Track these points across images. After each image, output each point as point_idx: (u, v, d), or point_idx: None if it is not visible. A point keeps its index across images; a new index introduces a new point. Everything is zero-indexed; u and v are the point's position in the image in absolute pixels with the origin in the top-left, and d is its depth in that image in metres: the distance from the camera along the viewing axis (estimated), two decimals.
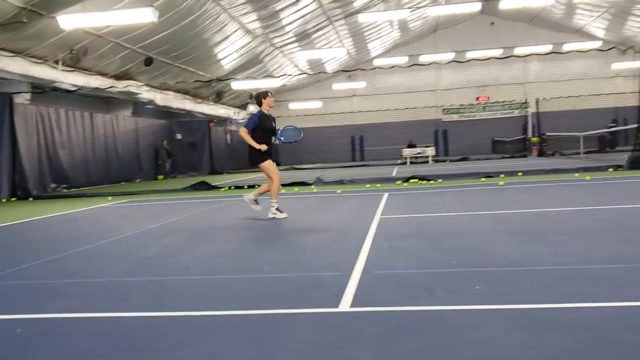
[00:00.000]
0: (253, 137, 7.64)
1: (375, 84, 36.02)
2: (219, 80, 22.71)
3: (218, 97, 28.48)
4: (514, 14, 34.20)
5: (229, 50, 21.99)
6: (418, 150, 29.90)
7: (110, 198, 13.33)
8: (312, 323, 3.07)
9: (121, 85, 18.56)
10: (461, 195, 9.95)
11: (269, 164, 7.75)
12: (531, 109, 34.18)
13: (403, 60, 30.57)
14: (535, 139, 29.84)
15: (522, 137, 32.17)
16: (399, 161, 29.64)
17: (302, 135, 8.19)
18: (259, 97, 7.88)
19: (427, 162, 28.04)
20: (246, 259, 5.14)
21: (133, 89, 19.07)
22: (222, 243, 6.07)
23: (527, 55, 30.25)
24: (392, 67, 26.38)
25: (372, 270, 4.23)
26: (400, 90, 36.68)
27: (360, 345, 2.67)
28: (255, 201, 8.06)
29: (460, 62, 22.28)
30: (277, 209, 7.75)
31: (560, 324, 2.78)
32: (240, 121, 32.38)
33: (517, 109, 36.86)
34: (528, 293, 3.39)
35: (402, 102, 36.31)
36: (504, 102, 36.98)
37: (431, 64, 23.44)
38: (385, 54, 35.41)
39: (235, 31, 20.52)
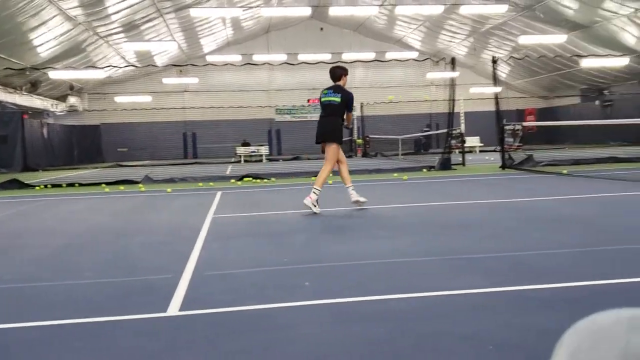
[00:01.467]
0: (342, 116, 7.37)
1: (208, 81, 35.54)
2: (34, 68, 20.69)
3: (33, 87, 25.92)
4: (342, 21, 35.97)
5: (47, 37, 20.14)
6: (252, 148, 30.09)
7: None
8: (139, 330, 2.92)
9: None
10: (293, 194, 10.20)
11: (339, 148, 7.49)
12: (356, 112, 36.17)
13: (236, 58, 30.54)
14: (360, 141, 31.66)
15: (348, 138, 33.95)
16: (233, 159, 29.56)
17: None
18: (340, 73, 7.43)
19: (261, 160, 28.33)
20: (65, 264, 4.74)
21: None
22: (36, 247, 5.53)
23: (353, 62, 31.91)
24: (226, 64, 26.21)
25: (204, 272, 4.15)
26: (234, 88, 36.61)
27: (189, 349, 2.61)
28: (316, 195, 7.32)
29: (292, 64, 22.85)
30: (316, 200, 7.24)
31: (376, 316, 2.97)
32: (59, 114, 29.87)
33: None
34: (352, 287, 3.57)
35: (236, 101, 36.26)
36: None
37: (264, 64, 23.71)
38: (218, 50, 35.10)
39: (54, 17, 18.85)
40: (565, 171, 12.45)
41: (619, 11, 23.61)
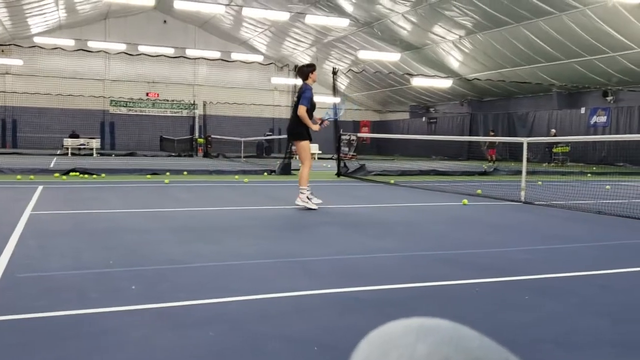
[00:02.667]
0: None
1: (35, 64, 32.51)
2: None
3: None
4: (187, 16, 35.09)
5: None
6: (82, 141, 28.09)
7: None
8: None
9: None
10: (125, 192, 9.68)
11: (309, 145, 7.15)
12: (199, 111, 35.51)
13: (69, 43, 28.34)
14: (201, 140, 31.08)
15: (189, 137, 33.16)
16: (59, 151, 27.31)
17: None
18: (305, 70, 7.08)
19: (91, 154, 26.54)
20: None
21: None
22: None
23: (197, 59, 31.33)
24: (55, 48, 24.17)
25: (16, 273, 3.76)
26: (65, 74, 33.90)
27: None
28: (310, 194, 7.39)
29: (131, 55, 21.74)
30: (310, 194, 7.21)
31: (209, 320, 2.92)
32: None
33: (186, 109, 37.87)
34: (183, 290, 3.46)
35: (66, 88, 33.57)
36: (173, 100, 37.56)
37: (99, 51, 22.25)
38: (48, 32, 32.28)
39: None
40: (392, 181, 13.37)
41: (446, 36, 26.02)
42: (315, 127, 7.56)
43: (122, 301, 3.19)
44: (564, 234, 6.06)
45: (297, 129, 7.50)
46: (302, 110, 7.36)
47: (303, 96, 7.39)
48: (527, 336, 2.76)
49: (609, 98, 26.60)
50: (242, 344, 2.58)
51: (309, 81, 7.53)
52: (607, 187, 12.04)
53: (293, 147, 20.47)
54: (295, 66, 7.87)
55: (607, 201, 9.14)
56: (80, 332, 2.68)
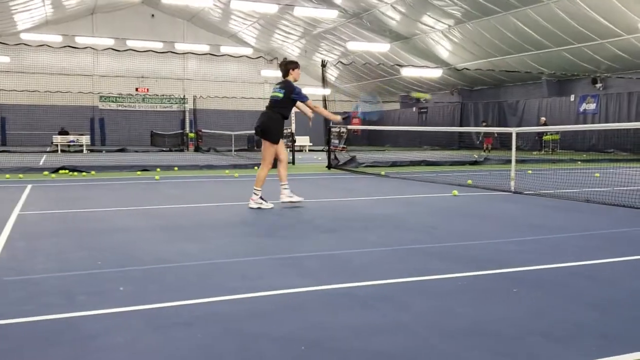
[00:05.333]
0: (287, 110, 7.13)
1: (23, 61, 32.21)
2: None
3: None
4: (175, 10, 34.86)
5: None
6: (71, 138, 27.92)
7: None
8: None
9: None
10: (115, 189, 9.64)
11: (283, 143, 7.22)
12: (189, 105, 35.36)
13: (57, 39, 28.09)
14: (192, 135, 30.98)
15: (180, 131, 33.03)
16: (48, 149, 27.13)
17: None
18: (288, 66, 7.09)
19: (81, 151, 26.39)
20: None
21: None
22: None
23: (186, 53, 31.15)
24: (42, 45, 23.94)
25: (3, 277, 3.74)
26: (53, 71, 33.62)
27: None
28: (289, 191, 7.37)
29: (119, 50, 21.58)
30: (290, 191, 7.31)
31: (197, 320, 2.91)
32: None
33: (176, 103, 37.70)
34: (172, 291, 3.45)
35: (54, 85, 33.32)
36: (163, 95, 37.37)
37: (86, 47, 22.02)
38: (35, 29, 32.02)
39: None
40: (383, 172, 13.38)
41: (435, 26, 25.99)
42: (336, 118, 8.21)
43: (110, 303, 3.18)
44: (553, 224, 6.09)
45: (273, 130, 7.25)
46: (311, 103, 7.37)
47: (297, 92, 7.25)
48: (515, 329, 2.78)
49: (598, 85, 26.70)
50: (231, 344, 2.58)
51: (290, 78, 7.35)
52: (597, 174, 12.11)
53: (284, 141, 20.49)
54: (284, 59, 7.69)
55: (596, 189, 9.19)
56: (66, 338, 2.67)
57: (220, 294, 3.37)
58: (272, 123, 7.28)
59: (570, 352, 2.49)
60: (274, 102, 7.32)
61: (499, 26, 23.59)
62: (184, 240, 5.11)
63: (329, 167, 15.04)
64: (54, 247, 4.78)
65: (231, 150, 25.33)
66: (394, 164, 16.00)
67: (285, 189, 7.33)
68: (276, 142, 7.28)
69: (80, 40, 29.22)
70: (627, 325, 2.85)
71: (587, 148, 24.77)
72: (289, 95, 7.24)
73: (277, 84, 7.48)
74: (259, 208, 7.11)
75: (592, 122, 25.24)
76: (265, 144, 7.32)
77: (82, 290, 3.46)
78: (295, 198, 7.34)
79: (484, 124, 28.38)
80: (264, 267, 4.07)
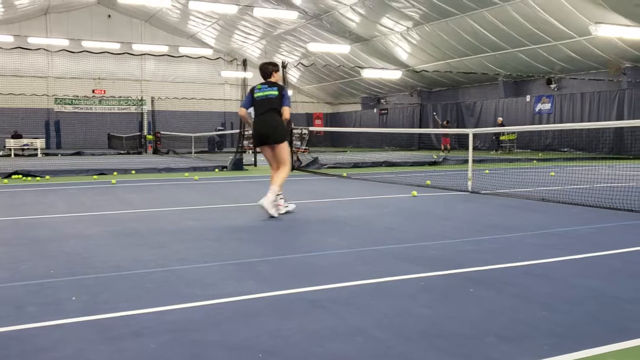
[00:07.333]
0: (278, 111, 6.92)
1: None
2: None
3: None
4: (132, 10, 34.26)
5: None
6: (25, 141, 27.12)
7: None
8: None
9: None
10: (70, 194, 9.39)
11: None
12: (147, 107, 34.79)
13: (8, 39, 27.26)
14: (150, 137, 30.48)
15: (138, 133, 32.43)
16: (0, 153, 26.27)
17: None
18: (270, 67, 7.01)
19: (35, 155, 25.65)
20: None
21: None
22: None
23: (143, 54, 30.65)
24: None
25: None
26: (5, 72, 32.59)
27: None
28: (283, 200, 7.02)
29: (74, 52, 21.07)
30: (284, 199, 7.01)
31: (150, 330, 2.84)
32: None
33: (134, 105, 37.04)
34: (125, 300, 3.37)
35: (6, 87, 32.28)
36: (120, 97, 36.66)
37: (39, 49, 21.38)
38: None
39: None
40: (345, 174, 13.43)
41: (394, 28, 26.25)
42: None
43: (61, 314, 3.08)
44: (509, 223, 6.21)
45: (282, 130, 7.03)
46: (288, 111, 7.03)
47: (285, 95, 7.03)
48: (472, 330, 2.81)
49: (552, 86, 27.44)
50: (185, 355, 2.53)
51: (272, 80, 7.10)
52: (552, 173, 12.42)
53: (245, 142, 20.28)
54: (266, 62, 7.39)
55: (551, 188, 9.42)
56: (13, 351, 2.57)
57: (174, 302, 3.30)
58: (278, 124, 6.98)
59: (522, 352, 2.53)
60: (271, 101, 6.97)
61: (456, 28, 23.99)
62: (140, 246, 5.01)
63: (292, 168, 14.99)
64: (4, 256, 4.61)
65: (191, 152, 25.01)
66: (355, 165, 16.08)
67: (281, 198, 7.01)
68: (285, 139, 7.12)
69: (33, 41, 28.41)
70: (577, 324, 2.91)
71: (542, 147, 25.41)
72: (282, 95, 7.00)
73: (262, 84, 7.11)
74: (286, 212, 6.93)
75: (547, 122, 25.92)
76: (278, 147, 7.00)
77: (32, 300, 3.35)
78: (291, 206, 7.17)
79: (446, 123, 28.81)
80: (221, 273, 4.01)
